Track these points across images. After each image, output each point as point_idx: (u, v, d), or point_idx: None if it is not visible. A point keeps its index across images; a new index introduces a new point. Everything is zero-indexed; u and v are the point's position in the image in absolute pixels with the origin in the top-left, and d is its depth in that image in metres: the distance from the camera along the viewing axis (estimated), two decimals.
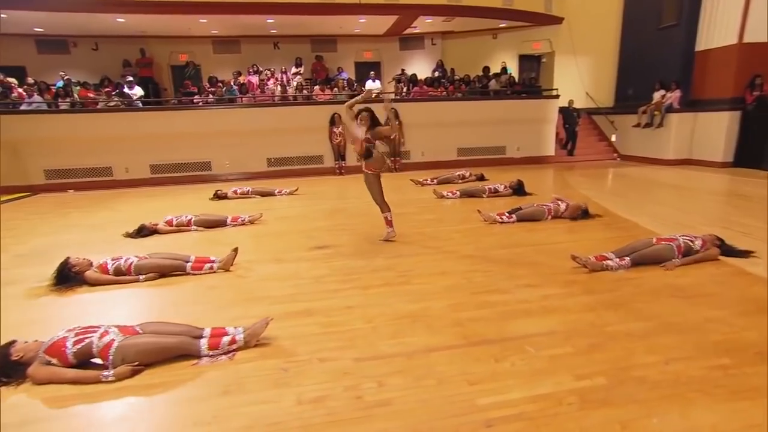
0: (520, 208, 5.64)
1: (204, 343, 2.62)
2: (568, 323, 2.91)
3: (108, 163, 10.02)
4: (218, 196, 8.09)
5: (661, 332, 2.79)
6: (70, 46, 13.17)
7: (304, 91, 11.53)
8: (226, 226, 5.94)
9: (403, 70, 13.66)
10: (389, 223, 4.95)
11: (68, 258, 3.78)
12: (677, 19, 11.27)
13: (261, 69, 12.68)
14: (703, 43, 10.80)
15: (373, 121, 4.59)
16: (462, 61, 14.23)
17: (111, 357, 2.41)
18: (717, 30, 10.42)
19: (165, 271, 4.03)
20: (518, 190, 7.21)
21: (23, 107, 9.74)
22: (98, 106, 10.20)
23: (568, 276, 3.72)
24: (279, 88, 11.45)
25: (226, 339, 2.67)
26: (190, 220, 5.83)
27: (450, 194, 7.24)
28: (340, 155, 10.87)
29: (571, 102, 12.21)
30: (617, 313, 3.05)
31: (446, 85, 11.87)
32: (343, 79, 11.93)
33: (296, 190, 8.42)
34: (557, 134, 12.38)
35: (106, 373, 2.37)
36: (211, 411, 2.19)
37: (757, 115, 9.73)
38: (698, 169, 10.15)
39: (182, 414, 2.16)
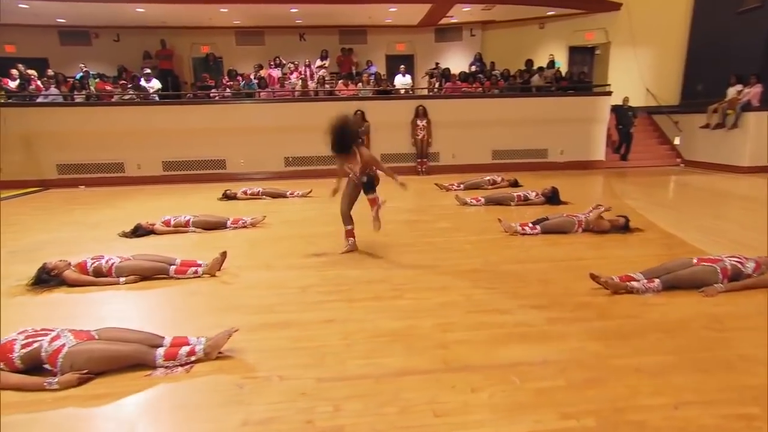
0: (547, 219, 5.46)
1: (160, 353, 2.67)
2: (568, 352, 2.77)
3: (120, 159, 10.53)
4: (227, 197, 8.31)
5: (679, 370, 2.60)
6: (92, 37, 14.00)
7: (326, 86, 11.69)
8: (226, 228, 6.08)
9: (437, 63, 13.63)
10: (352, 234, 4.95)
11: (44, 264, 3.97)
12: (762, 0, 10.59)
13: (284, 62, 12.97)
14: None
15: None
16: (504, 53, 14.03)
17: (59, 363, 2.50)
18: None
19: (147, 274, 4.15)
20: (552, 198, 6.99)
21: (39, 99, 10.41)
22: (113, 99, 10.75)
23: (583, 298, 3.55)
24: (300, 82, 11.65)
25: (184, 350, 2.71)
26: (189, 220, 6.01)
27: (473, 201, 7.11)
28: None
29: (626, 100, 11.76)
30: (630, 343, 2.88)
31: (482, 80, 11.71)
32: (370, 74, 12.01)
33: (310, 192, 8.52)
34: (609, 136, 11.94)
35: (50, 380, 2.45)
36: (150, 427, 2.22)
37: None
38: None
39: (117, 429, 2.20)
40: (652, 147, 12.58)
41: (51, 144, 10.19)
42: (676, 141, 12.29)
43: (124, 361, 2.63)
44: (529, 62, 12.73)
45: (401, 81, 12.06)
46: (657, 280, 3.71)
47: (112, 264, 4.08)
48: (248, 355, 2.83)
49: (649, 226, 5.74)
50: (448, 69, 12.17)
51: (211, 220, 6.15)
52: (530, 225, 5.41)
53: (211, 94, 11.25)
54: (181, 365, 2.68)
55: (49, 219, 6.95)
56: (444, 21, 13.94)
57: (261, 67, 12.49)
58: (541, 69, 12.46)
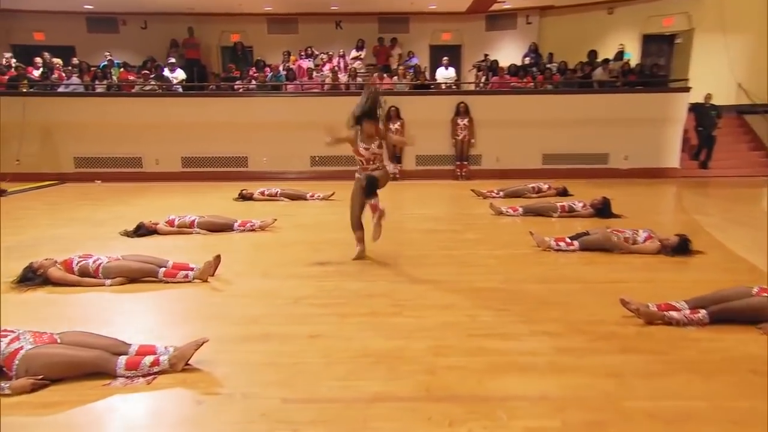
0: (587, 233, 5.30)
1: (122, 361, 2.78)
2: (573, 389, 2.66)
3: (138, 153, 11.07)
4: (243, 197, 8.56)
5: (705, 420, 2.43)
6: (119, 24, 14.82)
7: (359, 79, 11.82)
8: (233, 231, 6.27)
9: (486, 55, 13.50)
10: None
11: (31, 263, 4.22)
12: None
13: (316, 52, 13.23)
14: None
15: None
16: (563, 44, 13.70)
17: (15, 366, 2.64)
18: None
19: (135, 276, 4.34)
20: (602, 210, 6.75)
21: (61, 89, 11.13)
22: (134, 90, 11.33)
23: (609, 327, 3.40)
24: (331, 75, 11.84)
25: (147, 360, 2.81)
26: (194, 221, 6.23)
27: (510, 210, 6.99)
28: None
29: (708, 97, 11.20)
30: (651, 384, 2.73)
31: (534, 74, 11.50)
32: (408, 67, 12.06)
33: (332, 195, 8.61)
34: (686, 140, 11.39)
35: (3, 384, 2.59)
36: None
37: None
38: None
39: None
40: (741, 153, 11.91)
41: (69, 136, 10.84)
42: None
43: (84, 368, 2.75)
44: (593, 53, 12.39)
45: (443, 74, 12.03)
46: (703, 311, 3.50)
47: (99, 264, 4.29)
48: (217, 369, 2.89)
49: (715, 247, 5.45)
50: (496, 61, 12.05)
51: (218, 221, 6.35)
52: (567, 240, 5.26)
53: (236, 86, 11.64)
54: (143, 376, 2.77)
55: (56, 214, 7.40)
56: (496, 7, 13.78)
57: (289, 55, 12.74)
58: (606, 61, 12.08)
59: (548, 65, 12.09)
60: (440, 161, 10.75)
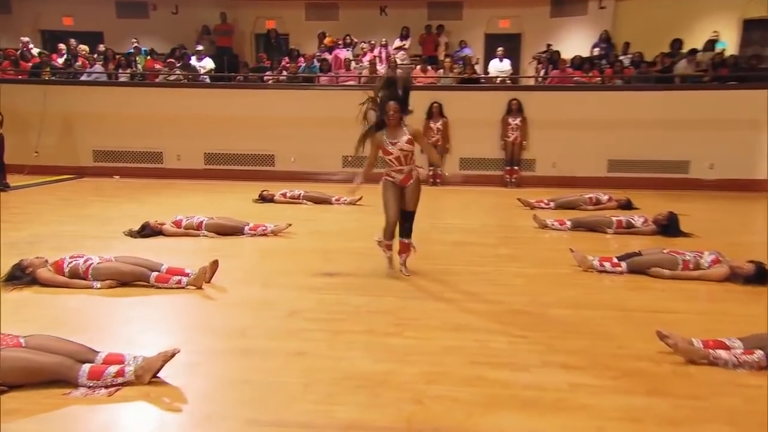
0: (638, 254, 5.12)
1: (85, 370, 2.91)
2: (578, 431, 2.59)
3: (159, 148, 11.56)
4: (263, 198, 8.79)
5: None
6: (149, 9, 15.55)
7: (399, 71, 11.87)
8: (243, 235, 6.44)
9: (549, 45, 13.26)
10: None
11: (21, 260, 4.49)
12: None
13: (355, 41, 13.40)
14: None
15: None
16: (642, 32, 13.24)
17: None
18: None
19: (125, 279, 4.54)
20: (668, 228, 6.50)
21: (83, 78, 11.78)
22: (157, 80, 11.84)
23: (639, 363, 3.27)
24: (369, 66, 11.94)
25: (111, 370, 2.93)
26: (201, 223, 6.45)
27: (556, 224, 6.85)
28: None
29: None
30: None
31: (602, 67, 11.22)
32: (456, 58, 12.02)
33: (360, 199, 8.66)
34: None
35: None
36: None
37: None
38: None
39: None
40: None
41: (89, 127, 11.47)
42: None
43: (44, 374, 2.89)
44: (677, 43, 11.96)
45: (497, 67, 11.94)
46: (760, 352, 3.30)
47: (90, 265, 4.51)
48: (187, 383, 2.99)
49: None
50: (557, 52, 11.81)
51: (227, 224, 6.55)
52: (614, 260, 5.11)
53: (265, 77, 11.95)
54: (105, 387, 2.89)
55: (65, 210, 7.85)
56: None
57: (324, 35, 12.82)
58: (693, 52, 11.59)
59: (620, 57, 11.76)
60: (487, 165, 10.65)
